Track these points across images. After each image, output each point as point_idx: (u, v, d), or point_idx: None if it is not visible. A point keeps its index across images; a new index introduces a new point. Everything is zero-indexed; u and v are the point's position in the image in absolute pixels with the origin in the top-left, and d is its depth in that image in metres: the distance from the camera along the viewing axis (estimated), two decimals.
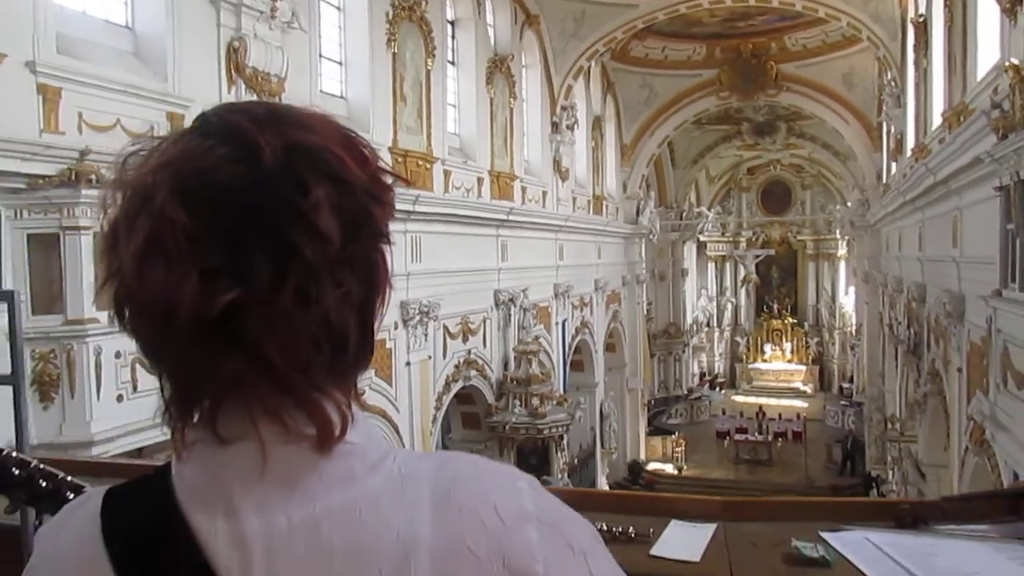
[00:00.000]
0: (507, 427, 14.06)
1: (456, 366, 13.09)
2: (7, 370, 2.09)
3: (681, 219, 28.69)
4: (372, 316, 0.78)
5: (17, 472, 1.36)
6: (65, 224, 5.89)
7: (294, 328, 0.70)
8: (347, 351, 0.75)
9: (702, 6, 16.64)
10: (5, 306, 2.18)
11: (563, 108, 17.71)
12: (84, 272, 5.91)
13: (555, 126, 17.54)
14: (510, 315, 14.82)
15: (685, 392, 29.39)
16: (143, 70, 7.22)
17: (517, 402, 14.27)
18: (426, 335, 11.86)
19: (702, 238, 32.97)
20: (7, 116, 5.72)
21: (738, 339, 34.93)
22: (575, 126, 18.27)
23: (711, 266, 35.33)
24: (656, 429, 25.46)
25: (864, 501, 2.04)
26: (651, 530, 1.68)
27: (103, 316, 6.05)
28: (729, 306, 35.34)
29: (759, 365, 34.05)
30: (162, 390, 0.75)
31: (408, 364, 11.45)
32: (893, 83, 15.87)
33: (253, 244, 0.69)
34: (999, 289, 7.26)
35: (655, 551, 1.62)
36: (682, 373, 29.54)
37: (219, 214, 0.69)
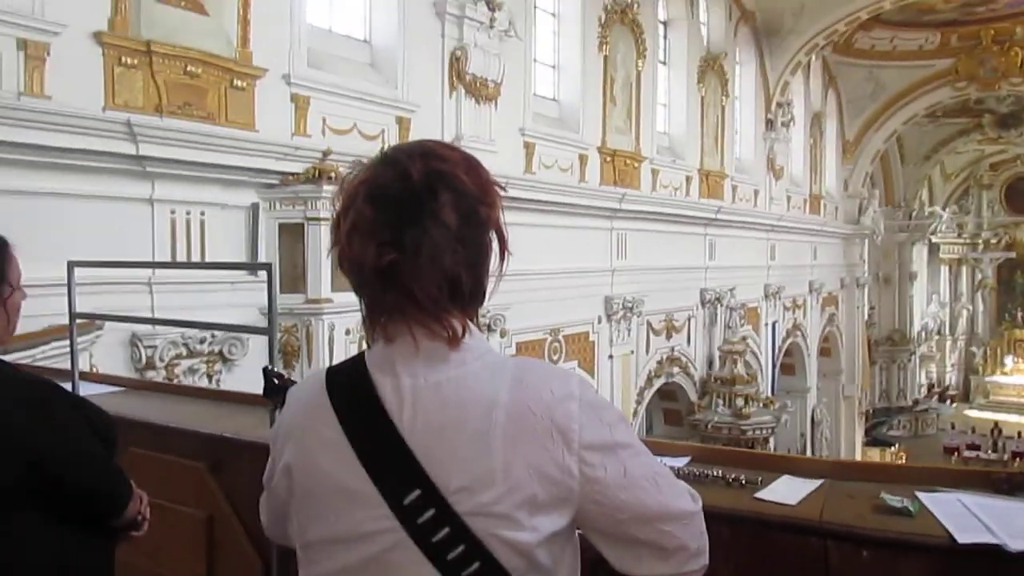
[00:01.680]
0: (709, 426, 14.01)
1: (659, 362, 13.25)
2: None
3: (910, 219, 26.87)
4: (483, 274, 1.25)
5: (276, 382, 1.92)
6: (308, 215, 6.76)
7: (427, 276, 1.17)
8: (462, 292, 1.21)
9: None
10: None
11: (779, 105, 17.27)
12: (323, 257, 6.76)
13: (769, 123, 17.14)
14: (716, 314, 14.74)
15: (910, 403, 27.49)
16: (377, 79, 8.08)
17: (720, 401, 14.18)
18: (629, 330, 12.14)
19: (934, 239, 30.68)
20: (267, 122, 6.69)
21: (974, 349, 32.16)
22: (791, 123, 17.75)
23: (944, 269, 32.73)
24: (874, 440, 24.13)
25: (965, 470, 2.15)
26: (759, 479, 1.94)
27: (337, 297, 6.89)
28: (964, 313, 32.63)
29: (997, 378, 31.15)
30: (360, 311, 1.26)
31: (611, 357, 11.79)
32: None
33: (405, 227, 1.17)
34: None
35: (758, 495, 1.88)
36: (907, 383, 27.68)
37: (388, 210, 1.17)
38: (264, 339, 6.66)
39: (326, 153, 6.90)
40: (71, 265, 2.78)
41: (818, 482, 1.90)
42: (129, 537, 1.96)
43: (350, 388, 1.23)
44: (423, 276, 1.17)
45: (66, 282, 2.85)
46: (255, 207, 6.69)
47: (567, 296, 10.35)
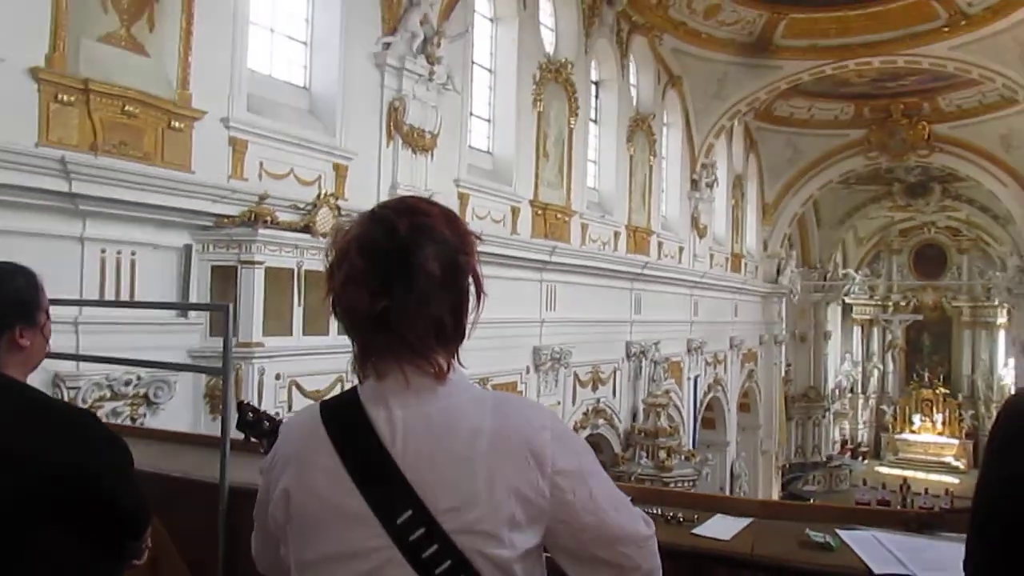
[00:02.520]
0: (632, 477, 14.12)
1: (585, 413, 13.39)
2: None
3: (825, 280, 27.91)
4: (463, 316, 1.39)
5: (251, 415, 2.00)
6: (242, 258, 6.73)
7: (415, 320, 1.31)
8: (446, 333, 1.36)
9: (848, 67, 16.57)
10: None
11: (703, 166, 17.90)
12: (255, 301, 6.72)
13: (694, 183, 17.74)
14: (641, 367, 15.01)
15: (824, 459, 28.18)
16: (316, 125, 8.14)
17: (644, 454, 14.36)
18: (556, 381, 12.27)
19: (848, 300, 31.91)
20: (204, 164, 6.66)
21: (884, 407, 33.32)
22: (715, 184, 18.39)
23: (857, 330, 34.01)
24: (790, 495, 24.60)
25: (881, 510, 2.36)
26: (695, 516, 2.11)
27: (268, 341, 6.85)
28: (876, 372, 33.86)
29: (906, 436, 32.31)
30: (352, 351, 1.38)
31: None
32: None
33: (394, 277, 1.30)
34: None
35: (695, 531, 2.05)
36: (821, 439, 28.43)
37: (378, 262, 1.31)
38: (190, 383, 6.58)
39: (262, 197, 6.89)
40: None
41: (748, 520, 2.07)
42: (131, 564, 2.01)
43: (345, 419, 1.35)
44: (412, 320, 1.31)
45: None
46: (188, 248, 6.62)
47: (497, 346, 10.41)
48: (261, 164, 7.32)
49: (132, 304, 6.05)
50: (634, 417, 14.89)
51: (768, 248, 22.99)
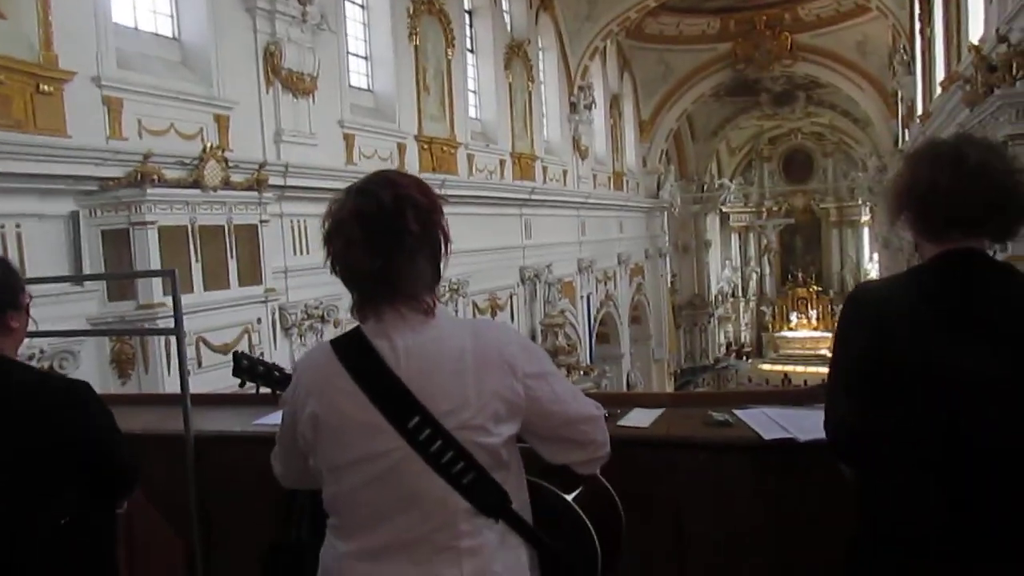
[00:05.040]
0: None
1: None
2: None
3: (703, 191, 29.05)
4: (439, 263, 1.71)
5: (245, 363, 2.22)
6: (133, 220, 6.65)
7: (406, 272, 1.63)
8: (428, 278, 1.68)
9: None
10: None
11: (580, 88, 18.23)
12: (151, 261, 6.66)
13: (573, 106, 18.08)
14: (536, 290, 15.49)
15: (712, 362, 29.90)
16: (191, 77, 7.95)
17: None
18: (456, 311, 12.56)
19: (725, 209, 33.26)
20: (79, 127, 6.47)
21: (763, 308, 35.26)
22: (593, 105, 18.78)
23: (734, 237, 35.61)
24: None
25: (768, 390, 2.89)
26: (619, 411, 2.67)
27: (169, 300, 6.81)
28: (754, 276, 35.67)
29: (785, 333, 34.38)
30: (352, 299, 1.70)
31: None
32: (903, 51, 16.22)
33: (384, 238, 1.62)
34: None
35: (620, 423, 2.60)
36: (708, 343, 30.03)
37: (372, 228, 1.62)
38: (94, 350, 6.53)
39: (146, 156, 6.75)
40: None
41: (660, 410, 2.63)
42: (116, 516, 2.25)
43: (356, 351, 1.68)
44: (404, 272, 1.63)
45: None
46: (75, 215, 6.48)
47: None
48: (139, 122, 7.14)
49: (71, 278, 5.99)
50: (533, 338, 15.36)
51: (647, 164, 23.71)
